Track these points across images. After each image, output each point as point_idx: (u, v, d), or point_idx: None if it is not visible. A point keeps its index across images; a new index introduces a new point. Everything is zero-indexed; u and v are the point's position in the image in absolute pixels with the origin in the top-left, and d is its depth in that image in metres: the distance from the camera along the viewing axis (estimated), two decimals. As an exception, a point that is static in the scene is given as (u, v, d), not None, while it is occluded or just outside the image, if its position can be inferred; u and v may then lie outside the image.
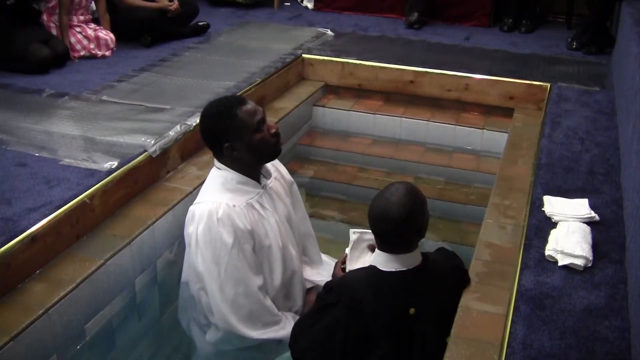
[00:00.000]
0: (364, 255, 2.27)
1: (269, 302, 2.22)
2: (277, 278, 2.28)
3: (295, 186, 2.53)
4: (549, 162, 3.00)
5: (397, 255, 1.95)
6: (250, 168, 2.24)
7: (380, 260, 1.98)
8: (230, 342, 2.25)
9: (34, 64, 3.75)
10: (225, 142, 2.15)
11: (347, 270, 2.22)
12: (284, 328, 2.24)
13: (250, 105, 2.18)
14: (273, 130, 2.20)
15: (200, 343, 2.38)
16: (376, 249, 2.02)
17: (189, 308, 2.36)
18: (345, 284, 1.99)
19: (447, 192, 3.73)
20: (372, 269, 1.99)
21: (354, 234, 2.29)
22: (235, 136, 2.14)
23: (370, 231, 2.28)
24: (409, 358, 1.96)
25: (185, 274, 2.31)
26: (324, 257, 2.64)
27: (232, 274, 2.13)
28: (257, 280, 2.19)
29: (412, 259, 1.97)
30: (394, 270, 1.95)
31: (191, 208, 2.20)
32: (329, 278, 2.53)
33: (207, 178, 2.28)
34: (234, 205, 2.15)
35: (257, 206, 2.23)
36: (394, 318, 1.94)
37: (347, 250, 2.30)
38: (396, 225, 1.91)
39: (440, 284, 2.06)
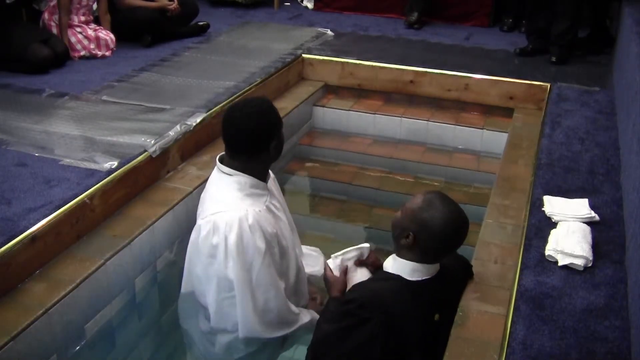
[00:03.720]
0: (355, 271, 2.24)
1: (290, 303, 2.24)
2: (292, 276, 2.29)
3: (276, 181, 2.50)
4: (549, 162, 3.00)
5: (425, 264, 1.94)
6: (265, 170, 2.24)
7: (406, 269, 1.95)
8: (237, 348, 2.24)
9: (34, 64, 3.75)
10: (273, 140, 2.15)
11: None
12: (302, 321, 2.27)
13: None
14: None
15: (207, 352, 2.36)
16: (395, 257, 1.98)
17: (194, 317, 2.33)
18: (377, 298, 1.92)
19: (447, 191, 3.68)
20: (398, 279, 1.95)
21: (336, 258, 2.24)
22: (279, 132, 2.18)
23: (349, 249, 2.24)
24: None
25: (188, 283, 2.27)
26: (303, 247, 2.65)
27: (264, 279, 2.12)
28: (282, 283, 2.20)
29: (436, 266, 1.98)
30: (420, 279, 1.94)
31: (210, 218, 2.11)
32: (316, 269, 2.53)
33: (216, 186, 2.21)
34: (259, 210, 2.13)
35: (273, 208, 2.23)
36: (424, 327, 1.93)
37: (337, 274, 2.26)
38: (464, 232, 1.95)
39: (456, 285, 2.09)
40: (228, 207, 2.12)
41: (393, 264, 1.99)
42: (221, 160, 2.22)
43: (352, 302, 1.92)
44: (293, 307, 2.25)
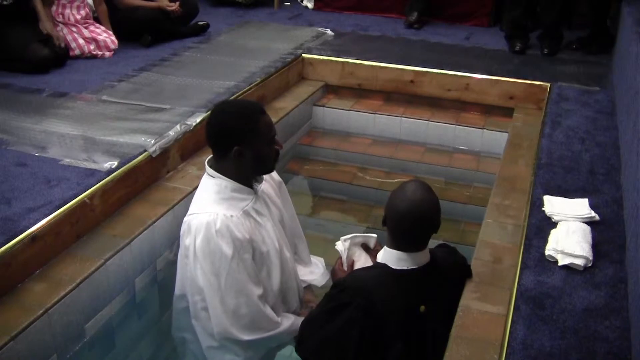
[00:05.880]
0: (361, 255, 2.28)
1: (269, 310, 2.21)
2: (276, 283, 2.27)
3: (283, 186, 2.52)
4: (549, 162, 3.00)
5: (410, 253, 1.95)
6: (246, 176, 2.22)
7: (391, 258, 1.97)
8: (230, 350, 2.24)
9: (34, 64, 3.75)
10: (236, 145, 2.11)
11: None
12: (283, 326, 2.25)
13: (268, 117, 2.19)
14: (278, 148, 2.22)
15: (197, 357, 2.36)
16: (385, 248, 2.01)
17: (183, 321, 2.33)
18: (359, 283, 1.97)
19: (447, 192, 3.73)
20: (383, 267, 1.98)
21: (345, 241, 2.29)
22: (248, 142, 2.12)
23: (357, 234, 2.30)
24: (422, 356, 1.97)
25: (180, 287, 2.28)
26: (311, 257, 2.65)
27: (233, 285, 2.11)
28: (257, 290, 2.17)
29: (423, 257, 1.98)
30: (406, 268, 1.95)
31: (186, 219, 2.17)
32: (322, 277, 2.54)
33: (200, 187, 2.25)
34: (232, 215, 2.12)
35: (253, 213, 2.21)
36: (407, 316, 1.94)
37: (344, 257, 2.30)
38: (422, 223, 1.93)
39: (447, 280, 2.08)
40: (201, 209, 2.14)
41: (383, 254, 2.02)
42: (210, 162, 2.23)
43: (336, 286, 2.01)
44: (272, 315, 2.21)
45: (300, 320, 2.25)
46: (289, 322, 2.26)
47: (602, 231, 2.43)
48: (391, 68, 4.30)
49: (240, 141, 2.12)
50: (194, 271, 2.14)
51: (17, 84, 3.59)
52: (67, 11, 4.18)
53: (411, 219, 1.92)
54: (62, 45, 3.94)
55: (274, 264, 2.25)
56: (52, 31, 3.89)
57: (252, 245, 2.16)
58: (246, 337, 2.16)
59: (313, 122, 4.35)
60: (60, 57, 3.91)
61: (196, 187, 2.77)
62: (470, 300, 2.11)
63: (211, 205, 2.14)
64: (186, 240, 2.15)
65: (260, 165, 2.22)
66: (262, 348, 2.27)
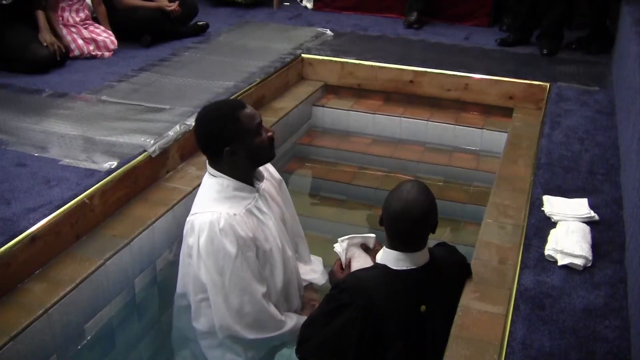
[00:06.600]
0: (360, 256, 2.28)
1: (272, 308, 2.22)
2: (279, 281, 2.27)
3: (284, 184, 2.52)
4: (549, 162, 3.01)
5: (408, 253, 1.95)
6: (246, 173, 2.23)
7: (390, 258, 1.97)
8: (231, 349, 2.24)
9: (34, 64, 3.75)
10: (226, 146, 2.12)
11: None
12: (287, 326, 2.25)
13: (249, 108, 2.18)
14: (270, 134, 2.21)
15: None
16: (384, 248, 2.01)
17: (184, 320, 2.33)
18: (359, 284, 1.98)
19: (446, 191, 3.73)
20: (383, 267, 1.98)
21: (342, 242, 2.29)
22: (236, 140, 2.12)
23: (355, 235, 2.31)
24: (422, 356, 1.97)
25: (182, 286, 2.28)
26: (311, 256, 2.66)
27: (237, 284, 2.12)
28: (261, 288, 2.18)
29: (422, 257, 1.98)
30: (405, 268, 1.95)
31: (189, 219, 2.17)
32: (322, 276, 2.55)
33: (201, 187, 2.26)
34: (235, 214, 2.13)
35: (256, 211, 2.22)
36: (407, 316, 1.95)
37: (343, 259, 2.30)
38: (416, 223, 1.93)
39: (448, 280, 2.09)
40: (204, 208, 2.15)
41: (382, 254, 2.03)
42: (211, 162, 2.23)
43: (336, 287, 2.01)
44: (275, 313, 2.22)
45: (302, 319, 2.25)
46: (293, 322, 2.27)
47: (601, 231, 2.43)
48: (391, 68, 4.31)
49: (228, 142, 2.12)
50: (198, 270, 2.14)
51: (17, 84, 3.59)
52: (66, 14, 4.18)
53: (406, 218, 1.92)
54: (63, 50, 3.94)
55: (276, 262, 2.26)
56: (51, 45, 3.87)
57: (256, 243, 2.17)
58: (251, 335, 2.17)
59: (312, 122, 4.35)
60: (60, 57, 3.90)
61: (196, 187, 2.79)
62: (470, 300, 2.11)
63: (214, 204, 2.14)
64: (189, 240, 2.15)
65: (258, 157, 2.22)
66: (264, 348, 2.28)
